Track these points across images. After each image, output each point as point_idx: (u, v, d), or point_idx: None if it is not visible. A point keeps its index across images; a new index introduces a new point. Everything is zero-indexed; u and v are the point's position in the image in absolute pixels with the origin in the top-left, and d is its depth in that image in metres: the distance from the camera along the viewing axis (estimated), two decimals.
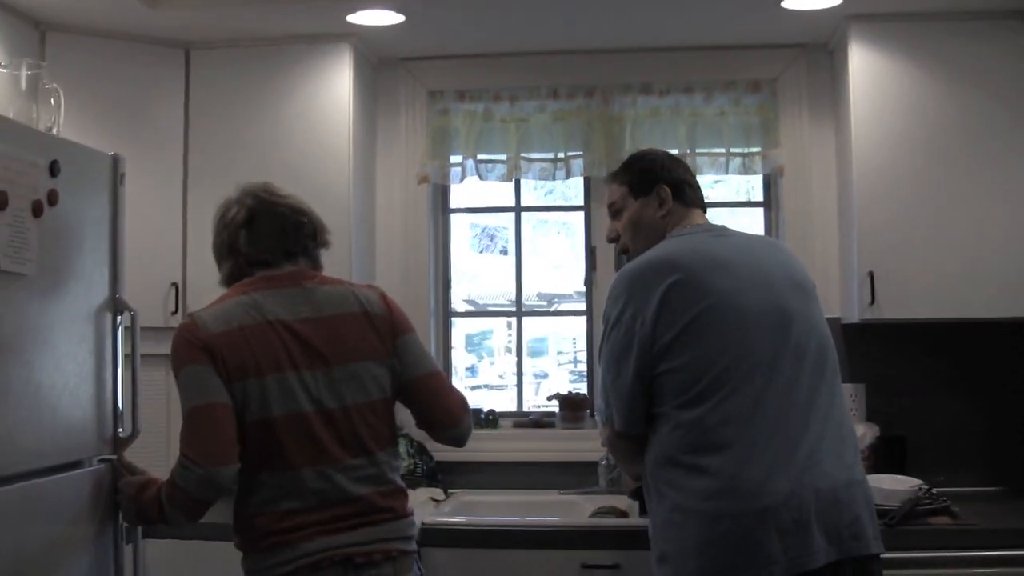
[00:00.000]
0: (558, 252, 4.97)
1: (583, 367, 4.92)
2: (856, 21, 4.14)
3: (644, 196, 3.04)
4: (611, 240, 3.16)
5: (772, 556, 2.55)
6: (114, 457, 2.94)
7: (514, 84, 4.69)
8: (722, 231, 3.00)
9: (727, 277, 2.76)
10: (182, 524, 2.66)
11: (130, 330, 3.11)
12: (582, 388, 4.83)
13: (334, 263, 3.14)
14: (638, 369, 2.75)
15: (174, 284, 4.26)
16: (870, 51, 4.14)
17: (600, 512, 4.18)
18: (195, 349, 2.63)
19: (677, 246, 2.88)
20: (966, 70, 4.11)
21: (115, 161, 3.11)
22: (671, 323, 2.71)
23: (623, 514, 4.16)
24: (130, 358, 3.12)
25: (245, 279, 2.81)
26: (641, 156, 3.17)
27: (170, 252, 4.28)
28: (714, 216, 3.19)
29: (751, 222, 4.84)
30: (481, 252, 5.04)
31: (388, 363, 2.78)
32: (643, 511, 3.06)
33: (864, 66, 4.15)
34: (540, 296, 4.93)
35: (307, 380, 2.66)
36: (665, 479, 2.72)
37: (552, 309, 5.07)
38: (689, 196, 3.06)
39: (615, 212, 3.12)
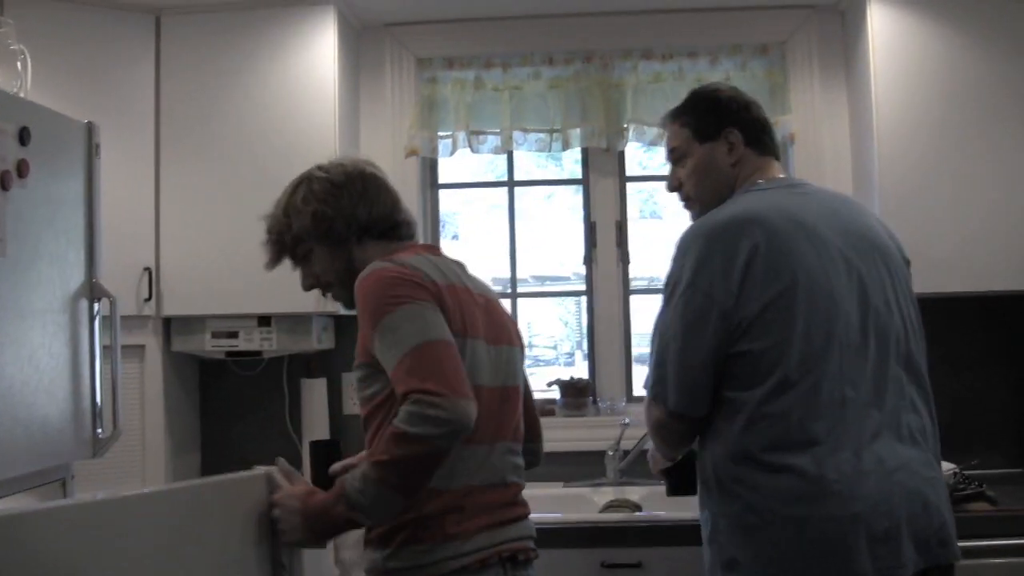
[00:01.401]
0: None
1: (537, 352, 4.66)
2: None
3: (711, 141, 2.65)
4: (673, 189, 2.76)
5: (862, 567, 2.26)
6: (271, 468, 2.48)
7: (507, 50, 4.40)
8: (804, 188, 2.63)
9: (815, 245, 2.41)
10: (383, 514, 2.27)
11: (109, 319, 2.80)
12: (539, 375, 4.58)
13: None
14: (716, 344, 2.39)
15: (147, 269, 3.93)
16: (892, 10, 3.90)
17: (613, 506, 3.93)
18: (420, 289, 2.34)
19: (759, 203, 2.49)
20: (992, 31, 3.90)
21: (90, 129, 2.81)
22: (754, 296, 2.36)
23: (637, 507, 3.91)
24: (109, 350, 2.81)
25: (405, 243, 2.59)
26: (706, 93, 2.76)
27: (142, 233, 3.95)
28: None
29: None
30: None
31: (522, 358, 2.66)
32: (674, 491, 2.84)
33: (885, 27, 3.91)
34: (496, 281, 4.65)
35: (493, 354, 2.47)
36: (737, 476, 2.38)
37: (549, 289, 4.79)
38: (764, 142, 2.68)
39: (677, 158, 2.72)
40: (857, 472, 2.29)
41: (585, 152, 4.51)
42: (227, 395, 4.39)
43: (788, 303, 2.35)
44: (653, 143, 4.35)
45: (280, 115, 4.00)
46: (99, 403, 2.75)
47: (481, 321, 2.46)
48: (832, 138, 4.31)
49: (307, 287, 2.66)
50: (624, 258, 4.48)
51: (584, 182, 4.55)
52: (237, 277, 3.94)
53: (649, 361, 2.52)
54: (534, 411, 2.72)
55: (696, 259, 2.41)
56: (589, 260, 4.50)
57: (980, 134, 3.86)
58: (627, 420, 4.14)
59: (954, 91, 3.87)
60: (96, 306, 2.78)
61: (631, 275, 4.53)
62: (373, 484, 2.19)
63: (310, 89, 4.01)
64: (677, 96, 4.19)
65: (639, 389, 4.55)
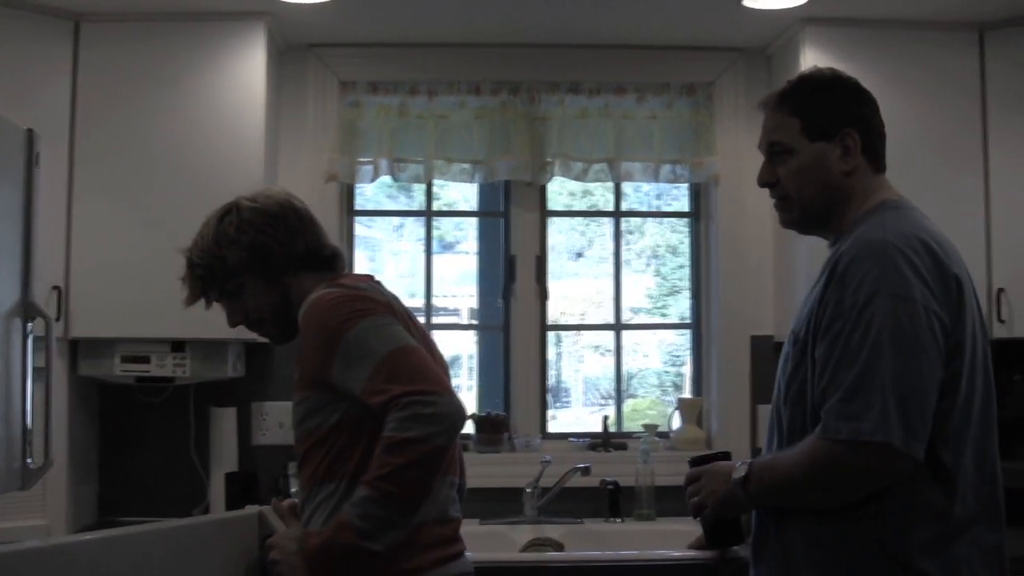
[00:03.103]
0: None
1: None
2: (812, 24, 3.93)
3: (824, 140, 2.24)
4: (764, 184, 2.36)
5: None
6: (264, 507, 2.40)
7: (432, 77, 4.32)
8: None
9: (971, 291, 2.17)
10: (389, 533, 2.14)
11: (44, 340, 2.62)
12: None
13: None
14: (940, 363, 2.03)
15: (56, 287, 3.71)
16: (824, 56, 3.92)
17: (535, 544, 3.85)
18: (380, 305, 2.30)
19: (935, 229, 2.18)
20: (919, 79, 3.97)
21: (30, 137, 2.63)
22: (955, 339, 2.07)
23: (560, 546, 3.84)
24: (43, 372, 2.63)
25: (341, 273, 2.50)
26: (824, 80, 2.33)
27: (52, 250, 3.69)
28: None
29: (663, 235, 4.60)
30: None
31: None
32: (720, 543, 2.50)
33: None
34: None
35: None
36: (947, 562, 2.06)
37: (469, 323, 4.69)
38: (880, 154, 2.31)
39: (780, 152, 2.29)
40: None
41: (507, 184, 4.44)
42: (129, 422, 4.16)
43: (970, 352, 2.11)
44: (578, 178, 4.32)
45: (204, 132, 3.84)
46: (30, 430, 2.56)
47: (430, 354, 2.38)
48: (754, 181, 4.32)
49: (235, 323, 2.57)
50: (543, 293, 4.43)
51: (505, 214, 4.48)
52: (151, 299, 3.75)
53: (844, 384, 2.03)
54: (458, 445, 2.60)
55: (902, 272, 2.04)
56: (507, 294, 4.43)
57: (910, 177, 3.88)
58: (548, 458, 4.08)
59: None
60: (29, 326, 2.59)
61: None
62: (376, 504, 2.11)
63: (237, 107, 3.86)
64: (602, 132, 4.27)
65: (555, 426, 4.49)
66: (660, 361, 4.68)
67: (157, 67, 3.86)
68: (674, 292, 4.69)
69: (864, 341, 2.00)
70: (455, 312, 4.65)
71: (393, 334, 2.23)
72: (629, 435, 4.39)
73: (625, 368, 4.55)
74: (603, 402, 4.67)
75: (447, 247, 4.72)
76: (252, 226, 2.45)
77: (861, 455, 1.99)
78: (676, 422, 4.40)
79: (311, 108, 4.28)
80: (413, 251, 4.61)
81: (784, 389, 2.22)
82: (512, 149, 4.28)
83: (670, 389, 4.66)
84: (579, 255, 4.66)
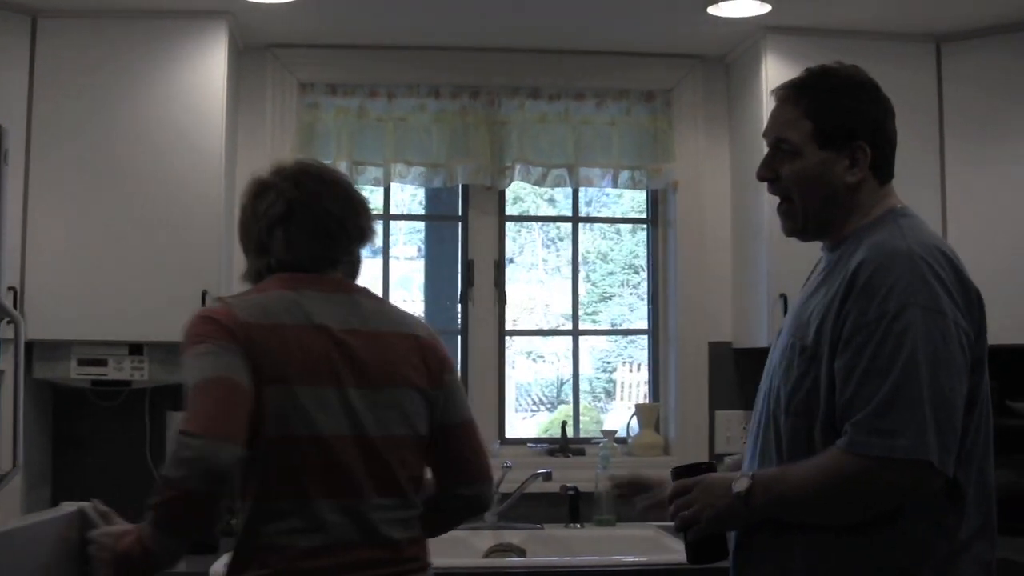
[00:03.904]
0: None
1: None
2: (775, 33, 3.98)
3: (833, 150, 2.17)
4: (764, 178, 2.27)
5: None
6: (84, 504, 2.31)
7: (392, 80, 4.30)
8: None
9: None
10: (169, 557, 2.11)
11: (12, 342, 2.56)
12: None
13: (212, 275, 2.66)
14: (966, 377, 2.00)
15: (12, 288, 3.62)
16: (786, 64, 3.97)
17: (497, 550, 3.84)
18: (221, 329, 2.17)
19: (943, 239, 2.18)
20: (888, 84, 4.00)
21: None
22: (977, 353, 2.05)
23: (521, 552, 3.83)
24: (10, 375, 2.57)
25: (285, 274, 2.34)
26: (842, 83, 2.25)
27: (7, 249, 3.60)
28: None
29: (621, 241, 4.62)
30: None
31: (432, 398, 2.38)
32: (703, 558, 2.27)
33: (779, 79, 3.96)
34: None
35: (351, 399, 2.25)
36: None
37: None
38: (888, 168, 2.24)
39: (787, 151, 2.21)
40: None
41: (465, 188, 4.43)
42: (83, 426, 4.07)
43: (983, 372, 2.08)
44: (537, 183, 4.32)
45: (162, 132, 3.78)
46: None
47: (336, 362, 2.26)
48: (713, 188, 4.38)
49: None
50: (501, 298, 4.41)
51: (463, 219, 4.47)
52: (108, 301, 3.71)
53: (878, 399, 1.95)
54: (462, 451, 2.48)
55: (933, 285, 1.99)
56: (465, 299, 4.42)
57: None
58: (509, 463, 4.06)
59: None
60: None
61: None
62: (152, 527, 2.08)
63: (196, 107, 3.81)
64: (561, 137, 4.27)
65: (512, 431, 4.49)
66: (592, 368, 4.68)
67: (116, 65, 3.80)
68: (604, 299, 4.70)
69: (897, 354, 1.93)
70: None
71: (205, 365, 2.15)
72: (587, 440, 4.40)
73: (557, 375, 4.56)
74: (535, 408, 4.67)
75: (376, 252, 4.68)
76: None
77: (894, 472, 1.92)
78: (634, 427, 4.41)
79: (270, 109, 4.23)
80: None
81: (785, 398, 2.13)
82: (471, 153, 4.27)
83: (602, 395, 4.67)
84: (510, 261, 4.67)
